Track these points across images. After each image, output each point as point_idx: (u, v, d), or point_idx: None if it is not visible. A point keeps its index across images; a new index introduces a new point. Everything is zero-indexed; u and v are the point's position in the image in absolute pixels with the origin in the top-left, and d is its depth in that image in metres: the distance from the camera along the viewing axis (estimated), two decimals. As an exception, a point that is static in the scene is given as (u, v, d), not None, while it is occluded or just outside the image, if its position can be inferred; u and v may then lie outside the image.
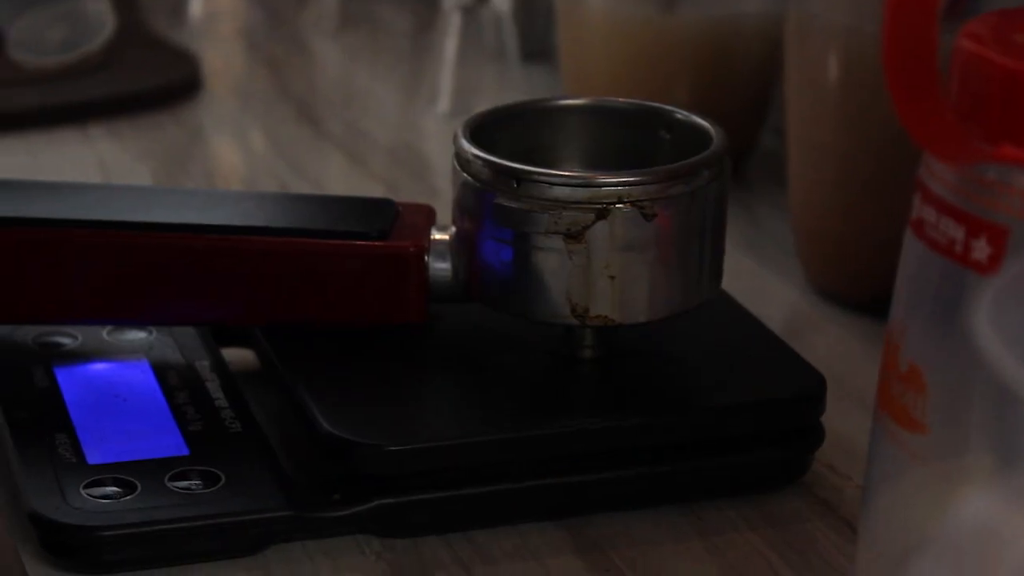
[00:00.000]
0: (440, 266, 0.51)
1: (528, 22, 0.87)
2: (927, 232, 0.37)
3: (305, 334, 0.52)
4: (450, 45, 0.80)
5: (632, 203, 0.47)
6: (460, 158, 0.49)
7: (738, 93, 0.71)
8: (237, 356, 0.54)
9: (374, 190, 0.72)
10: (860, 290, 0.61)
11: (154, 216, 0.51)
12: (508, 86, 0.82)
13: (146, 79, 0.81)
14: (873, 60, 0.57)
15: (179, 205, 0.52)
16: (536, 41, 0.88)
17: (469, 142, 0.49)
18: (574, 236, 0.47)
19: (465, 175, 0.49)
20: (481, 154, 0.49)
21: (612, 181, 0.47)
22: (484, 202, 0.48)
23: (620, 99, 0.54)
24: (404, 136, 0.79)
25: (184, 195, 0.52)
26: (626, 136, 0.53)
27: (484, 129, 0.51)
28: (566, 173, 0.48)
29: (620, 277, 0.48)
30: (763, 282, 0.64)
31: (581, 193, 0.47)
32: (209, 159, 0.78)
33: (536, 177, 0.48)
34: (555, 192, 0.47)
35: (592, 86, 0.72)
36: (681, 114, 0.53)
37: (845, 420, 0.52)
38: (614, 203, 0.47)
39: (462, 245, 0.50)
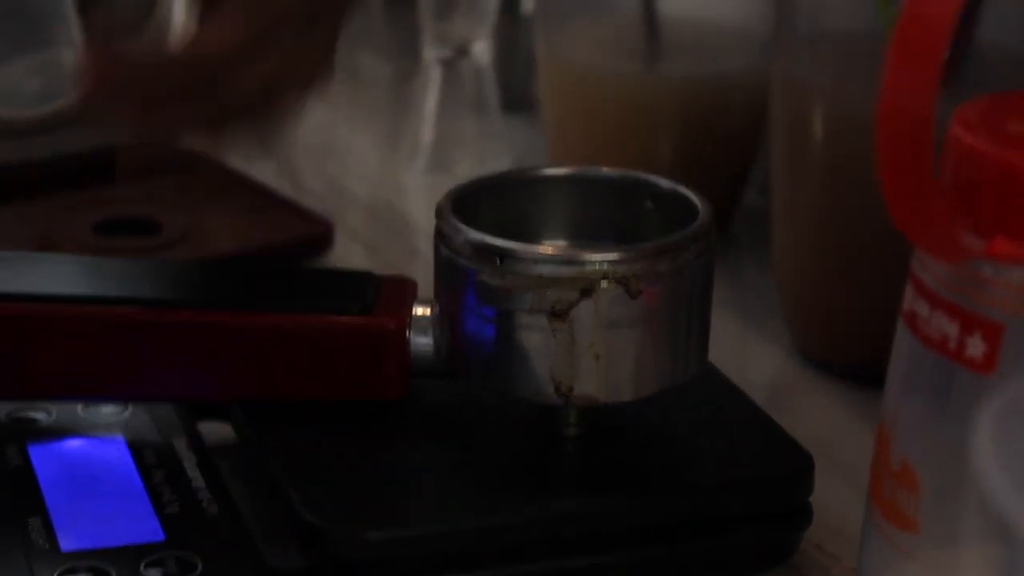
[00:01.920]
0: (422, 341, 0.50)
1: (508, 73, 0.86)
2: (920, 326, 0.36)
3: (283, 408, 0.51)
4: (430, 99, 0.80)
5: (617, 280, 0.47)
6: (442, 233, 0.49)
7: (723, 151, 0.71)
8: (214, 430, 0.53)
9: (353, 250, 0.71)
10: (847, 357, 0.60)
11: (128, 290, 0.50)
12: (489, 139, 0.81)
13: (122, 135, 0.80)
14: (860, 125, 0.57)
15: (154, 277, 0.51)
16: (517, 92, 0.87)
17: (452, 216, 0.49)
18: (558, 314, 0.47)
19: (447, 250, 0.48)
20: (464, 229, 0.48)
21: (597, 259, 0.46)
22: (466, 278, 0.48)
23: (604, 168, 0.53)
24: (384, 193, 0.78)
25: (159, 266, 0.51)
26: (611, 206, 0.53)
27: (467, 199, 0.51)
28: (550, 251, 0.47)
29: (605, 355, 0.47)
30: (748, 346, 0.63)
31: (565, 271, 0.46)
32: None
33: (519, 254, 0.47)
34: (539, 269, 0.47)
35: (574, 143, 0.72)
36: (666, 184, 0.52)
37: (834, 496, 0.51)
38: (599, 281, 0.46)
39: (444, 320, 0.49)
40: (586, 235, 0.53)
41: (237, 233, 0.69)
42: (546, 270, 0.46)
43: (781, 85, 0.60)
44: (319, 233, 0.68)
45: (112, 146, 0.78)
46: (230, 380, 0.50)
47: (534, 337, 0.47)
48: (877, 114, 0.32)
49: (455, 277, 0.48)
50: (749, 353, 0.63)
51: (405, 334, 0.50)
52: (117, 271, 0.51)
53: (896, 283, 0.56)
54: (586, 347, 0.47)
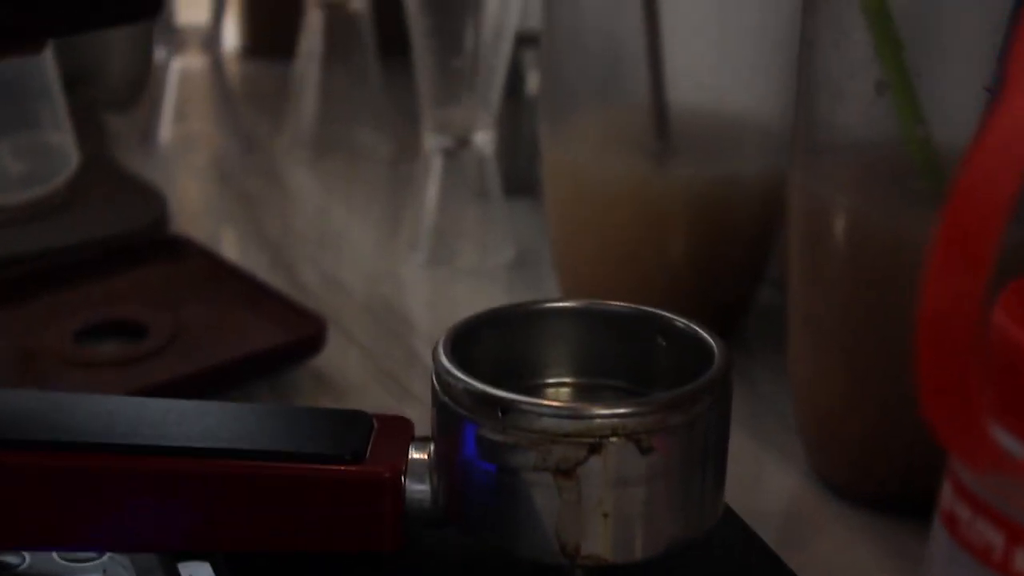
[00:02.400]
0: (418, 488, 0.47)
1: (512, 155, 0.83)
2: (960, 531, 0.33)
3: (269, 559, 0.48)
4: (431, 188, 0.76)
5: (627, 436, 0.43)
6: (440, 379, 0.46)
7: (736, 251, 0.68)
8: (196, 570, 0.50)
9: (348, 352, 0.68)
10: (870, 484, 0.57)
11: (101, 434, 0.47)
12: (492, 228, 0.78)
13: (110, 223, 0.77)
14: (883, 245, 0.54)
15: (129, 419, 0.48)
16: (520, 174, 0.84)
17: (449, 361, 0.46)
18: (565, 472, 0.44)
19: (445, 396, 0.45)
20: (464, 378, 0.45)
21: (606, 413, 0.43)
22: (465, 430, 0.45)
23: (613, 303, 0.50)
24: (381, 288, 0.75)
25: (133, 406, 0.48)
26: (620, 342, 0.50)
27: (467, 336, 0.48)
28: (556, 404, 0.44)
29: (614, 514, 0.44)
30: (760, 466, 0.60)
31: (572, 426, 0.43)
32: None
33: (523, 407, 0.44)
34: (544, 424, 0.43)
35: (578, 239, 0.69)
36: (680, 322, 0.49)
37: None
38: (608, 436, 0.43)
39: (442, 467, 0.46)
40: (593, 373, 0.50)
41: (226, 335, 0.66)
42: (551, 425, 0.43)
43: (799, 197, 0.56)
44: (312, 334, 0.65)
45: (105, 237, 0.75)
46: (212, 531, 0.47)
47: (538, 495, 0.44)
48: (918, 318, 0.29)
49: (453, 426, 0.45)
50: (762, 476, 0.59)
51: (401, 483, 0.47)
52: (89, 411, 0.48)
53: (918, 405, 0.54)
54: (594, 506, 0.44)
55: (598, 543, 0.44)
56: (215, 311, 0.68)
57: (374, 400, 0.64)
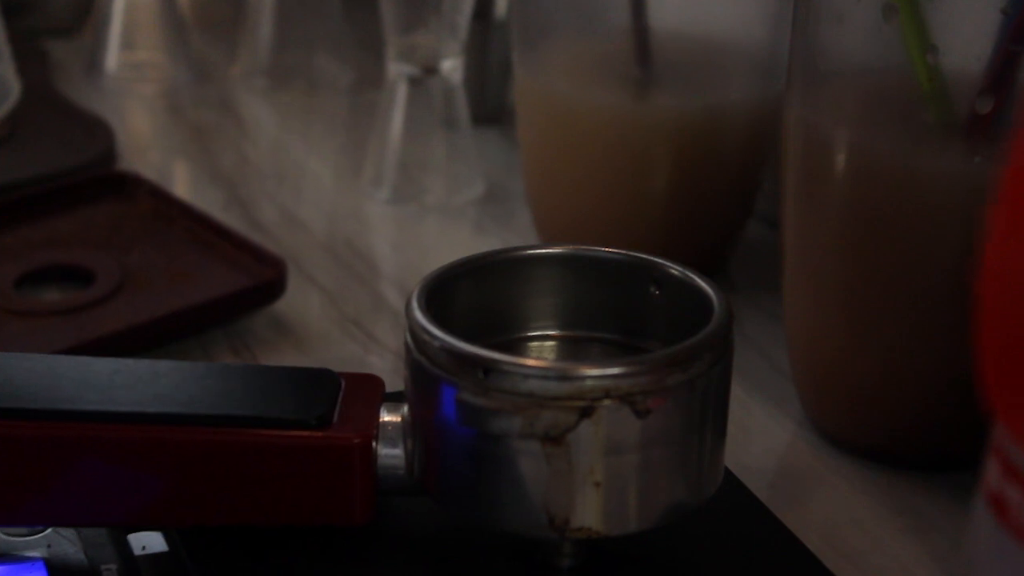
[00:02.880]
0: (390, 454, 0.43)
1: (480, 82, 0.79)
2: (1011, 516, 0.29)
3: (230, 532, 0.44)
4: (395, 119, 0.72)
5: (621, 398, 0.40)
6: (414, 336, 0.41)
7: (721, 184, 0.63)
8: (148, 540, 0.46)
9: (309, 298, 0.63)
10: (871, 436, 0.53)
11: (40, 399, 0.43)
12: (460, 162, 0.73)
13: (54, 158, 0.72)
14: (889, 178, 0.50)
15: (76, 382, 0.44)
16: (489, 102, 0.80)
17: (424, 316, 0.41)
18: (553, 439, 0.40)
19: (420, 356, 0.41)
20: (441, 335, 0.41)
21: (598, 373, 0.39)
22: (444, 393, 0.41)
23: (601, 249, 0.46)
24: (344, 227, 0.70)
25: (81, 367, 0.44)
26: (609, 292, 0.46)
27: (443, 288, 0.44)
28: (543, 364, 0.40)
29: (607, 484, 0.40)
30: (752, 417, 0.56)
31: (561, 388, 0.39)
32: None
33: (507, 367, 0.40)
34: (530, 386, 0.39)
35: (554, 174, 0.65)
36: (676, 270, 0.45)
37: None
38: (600, 399, 0.39)
39: (417, 433, 0.42)
40: (581, 325, 0.46)
41: (179, 280, 0.62)
42: (538, 387, 0.39)
43: (796, 131, 0.52)
44: (271, 278, 0.61)
45: (47, 173, 0.70)
46: (165, 505, 0.43)
47: (524, 463, 0.40)
48: (979, 284, 0.25)
49: (429, 388, 0.41)
50: (753, 426, 0.56)
51: (371, 449, 0.43)
52: (28, 372, 0.44)
53: (927, 350, 0.50)
54: (585, 475, 0.40)
55: (589, 515, 0.41)
56: (166, 254, 0.64)
57: (338, 349, 0.60)
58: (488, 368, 0.40)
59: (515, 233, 0.70)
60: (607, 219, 0.63)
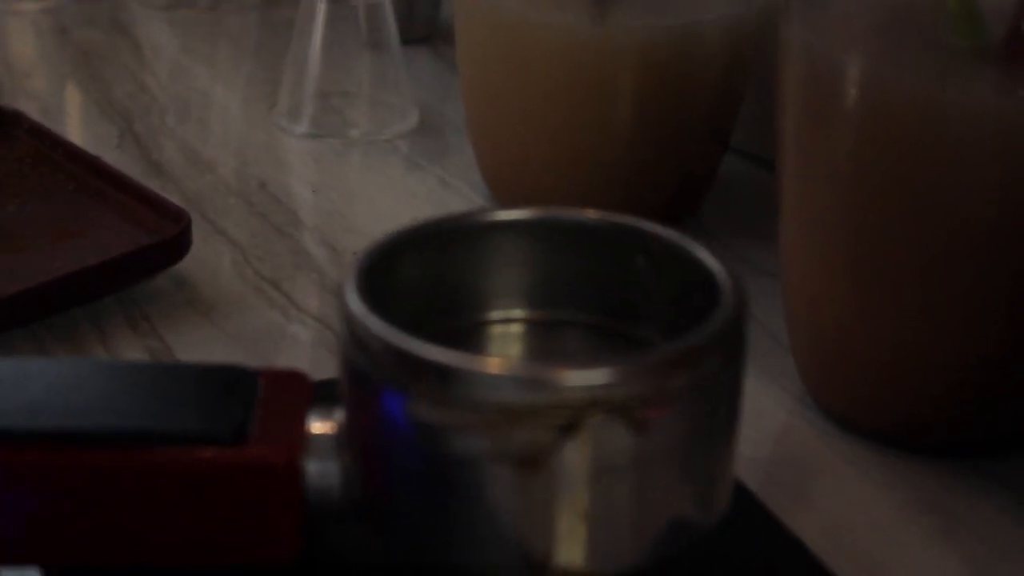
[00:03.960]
0: (322, 473, 0.36)
1: (407, 1, 0.72)
2: None
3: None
4: (314, 42, 0.65)
5: (614, 410, 0.32)
6: (350, 330, 0.33)
7: (694, 116, 0.57)
8: None
9: (218, 254, 0.55)
10: (879, 416, 0.47)
11: None
12: (389, 90, 0.65)
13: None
14: (909, 122, 0.43)
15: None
16: (420, 23, 0.74)
17: (363, 302, 0.33)
18: (529, 462, 0.32)
19: (357, 353, 0.33)
20: (384, 330, 0.33)
21: (584, 379, 0.32)
22: (389, 403, 0.33)
23: (577, 212, 0.38)
24: (256, 170, 0.62)
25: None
26: (587, 263, 0.38)
27: (384, 264, 0.36)
28: (515, 370, 0.32)
29: (596, 514, 0.33)
30: (746, 393, 0.49)
31: (539, 398, 0.32)
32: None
33: (470, 372, 0.32)
34: (500, 396, 0.32)
35: (500, 107, 0.58)
36: (668, 236, 0.37)
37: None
38: (587, 411, 0.32)
39: (355, 445, 0.35)
40: (554, 304, 0.39)
41: (64, 238, 0.53)
42: (510, 397, 0.32)
43: (796, 59, 0.46)
44: (172, 235, 0.52)
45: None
46: (38, 540, 0.35)
47: (493, 490, 0.33)
48: None
49: (371, 396, 0.34)
50: (747, 406, 0.48)
51: (298, 469, 0.35)
52: None
53: (950, 320, 0.44)
54: (568, 504, 0.33)
55: (574, 551, 0.34)
56: (52, 207, 0.56)
57: (253, 317, 0.52)
58: (446, 373, 0.32)
59: (454, 173, 0.63)
60: (564, 156, 0.57)
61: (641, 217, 0.38)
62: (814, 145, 0.45)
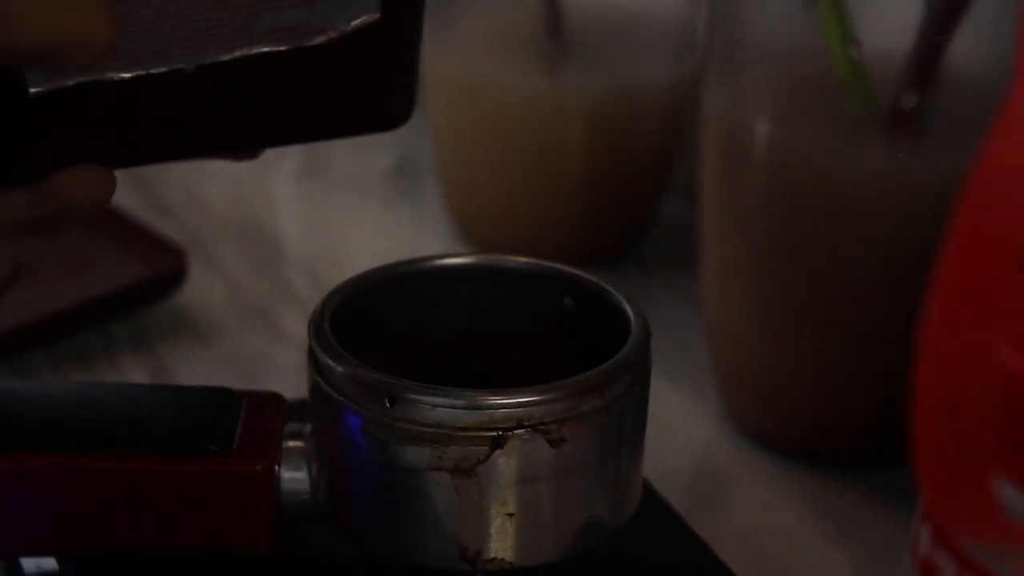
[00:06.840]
0: (294, 479, 0.41)
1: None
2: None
3: (126, 563, 0.42)
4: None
5: (534, 428, 0.38)
6: (316, 358, 0.39)
7: (637, 166, 0.62)
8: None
9: (212, 287, 0.61)
10: (791, 432, 0.52)
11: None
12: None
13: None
14: (809, 179, 0.48)
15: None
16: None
17: (329, 338, 0.39)
18: (464, 471, 0.38)
19: (322, 382, 0.39)
20: (346, 360, 0.39)
21: (509, 403, 0.38)
22: (348, 422, 0.39)
23: (515, 258, 0.44)
24: (247, 208, 0.68)
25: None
26: (521, 302, 0.44)
27: (347, 305, 0.42)
28: (452, 395, 0.38)
29: (521, 513, 0.39)
30: (669, 409, 0.54)
31: (471, 418, 0.38)
32: None
33: (414, 395, 0.38)
34: (439, 416, 0.38)
35: (464, 157, 0.63)
36: (588, 280, 0.43)
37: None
38: (512, 429, 0.38)
39: (322, 457, 0.40)
40: (495, 331, 0.44)
41: (73, 273, 0.59)
42: (447, 417, 0.38)
43: (713, 121, 0.50)
44: (170, 269, 0.58)
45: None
46: (56, 535, 0.41)
47: (434, 495, 0.38)
48: (916, 361, 0.23)
49: (333, 416, 0.39)
50: (671, 420, 0.54)
51: (274, 475, 0.41)
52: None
53: (849, 347, 0.49)
54: (497, 506, 0.39)
55: (503, 546, 0.39)
56: (65, 245, 0.60)
57: (243, 343, 0.58)
58: (393, 397, 0.38)
59: (427, 208, 0.68)
60: (521, 198, 0.62)
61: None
62: (728, 198, 0.50)
